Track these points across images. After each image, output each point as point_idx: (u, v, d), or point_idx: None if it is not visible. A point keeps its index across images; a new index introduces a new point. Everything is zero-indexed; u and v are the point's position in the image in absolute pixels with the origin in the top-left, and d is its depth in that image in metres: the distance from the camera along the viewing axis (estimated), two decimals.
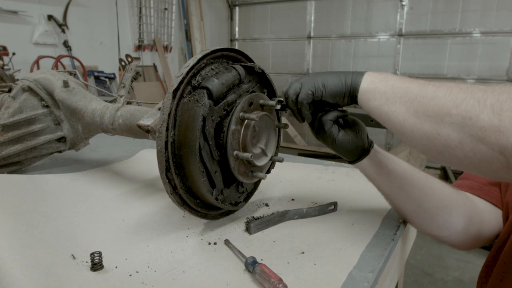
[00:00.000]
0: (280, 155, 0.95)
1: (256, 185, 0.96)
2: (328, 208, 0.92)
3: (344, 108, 0.81)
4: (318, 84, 0.73)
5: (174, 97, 0.71)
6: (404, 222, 0.86)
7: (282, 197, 1.02)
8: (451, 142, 0.58)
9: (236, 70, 0.80)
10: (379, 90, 0.68)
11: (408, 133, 0.64)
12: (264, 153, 0.86)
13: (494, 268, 0.82)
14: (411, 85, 0.65)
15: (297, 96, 0.74)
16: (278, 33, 6.25)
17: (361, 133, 0.80)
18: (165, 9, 5.41)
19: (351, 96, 0.72)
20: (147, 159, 1.33)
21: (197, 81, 0.75)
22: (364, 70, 0.72)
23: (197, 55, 0.75)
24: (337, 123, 0.80)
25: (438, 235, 0.84)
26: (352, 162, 0.82)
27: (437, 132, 0.59)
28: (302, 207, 0.91)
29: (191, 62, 0.73)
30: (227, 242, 0.76)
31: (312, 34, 5.93)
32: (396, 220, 0.87)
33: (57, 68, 3.89)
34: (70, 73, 1.25)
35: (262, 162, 0.85)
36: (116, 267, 0.67)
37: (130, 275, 0.65)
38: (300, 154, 4.59)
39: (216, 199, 0.78)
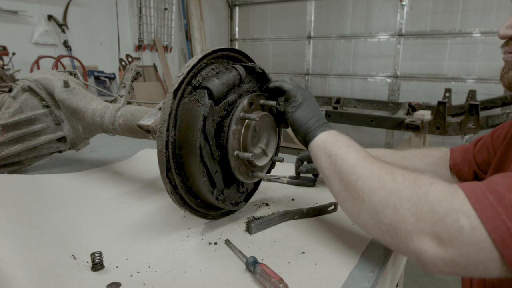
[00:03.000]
0: (280, 155, 0.95)
1: (256, 185, 0.96)
2: (328, 208, 0.92)
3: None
4: (294, 116, 0.78)
5: (174, 97, 0.71)
6: None
7: (282, 197, 1.02)
8: (367, 225, 0.63)
9: (237, 70, 0.80)
10: (325, 152, 0.72)
11: (341, 203, 0.70)
12: (264, 153, 0.86)
13: None
14: (349, 156, 0.68)
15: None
16: (278, 33, 6.25)
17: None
18: (165, 9, 5.41)
19: (305, 143, 0.78)
20: (147, 159, 1.33)
21: (198, 81, 0.75)
22: (328, 128, 0.77)
23: (198, 55, 0.75)
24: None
25: None
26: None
27: (357, 214, 0.64)
28: (302, 207, 0.91)
29: (192, 62, 0.73)
30: (227, 242, 0.76)
31: (312, 34, 5.93)
32: None
33: (57, 68, 3.89)
34: (70, 73, 1.25)
35: (262, 162, 0.85)
36: (117, 267, 0.67)
37: (131, 275, 0.65)
38: None
39: (217, 199, 0.78)
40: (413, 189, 0.57)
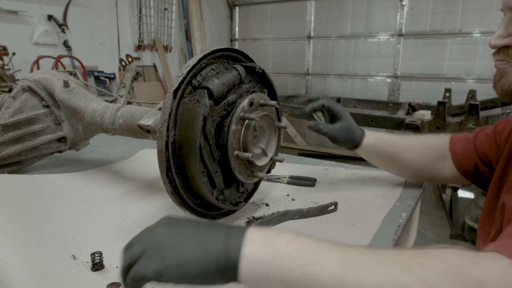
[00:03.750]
0: (280, 155, 0.95)
1: (256, 185, 0.96)
2: (328, 208, 0.92)
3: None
4: (168, 263, 0.46)
5: (174, 97, 0.71)
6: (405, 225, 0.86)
7: (282, 197, 1.02)
8: None
9: (237, 70, 0.80)
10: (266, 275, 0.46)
11: None
12: (264, 153, 0.86)
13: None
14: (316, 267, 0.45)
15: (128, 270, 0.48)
16: (278, 33, 6.25)
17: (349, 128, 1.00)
18: (165, 9, 5.41)
19: (227, 277, 0.47)
20: (147, 159, 1.33)
21: (198, 81, 0.75)
22: (243, 228, 0.49)
23: (198, 55, 0.75)
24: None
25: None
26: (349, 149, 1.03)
27: None
28: (302, 207, 0.91)
29: (192, 62, 0.73)
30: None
31: (312, 34, 5.93)
32: (397, 220, 0.87)
33: (57, 68, 3.89)
34: (70, 73, 1.25)
35: (262, 162, 0.85)
36: (117, 267, 0.67)
37: None
38: (300, 154, 4.59)
39: (217, 199, 0.78)
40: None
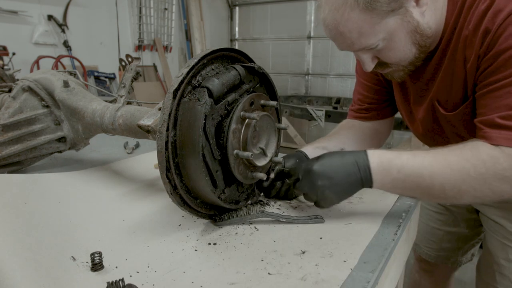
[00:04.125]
0: (280, 155, 0.95)
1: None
2: (311, 219, 0.86)
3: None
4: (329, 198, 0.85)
5: (174, 97, 0.71)
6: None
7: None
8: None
9: (236, 70, 0.80)
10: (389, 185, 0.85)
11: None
12: (264, 153, 0.86)
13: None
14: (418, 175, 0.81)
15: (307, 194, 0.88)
16: (278, 33, 6.24)
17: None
18: (165, 9, 5.41)
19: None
20: (147, 159, 1.33)
21: (198, 81, 0.75)
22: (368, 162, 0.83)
23: (198, 55, 0.75)
24: None
25: None
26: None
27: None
28: (300, 206, 0.90)
29: (192, 62, 0.73)
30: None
31: (312, 34, 5.93)
32: (397, 220, 0.87)
33: (57, 68, 3.88)
34: (70, 73, 1.25)
35: (262, 162, 0.85)
36: (117, 267, 0.67)
37: (131, 276, 0.65)
38: None
39: (219, 197, 0.78)
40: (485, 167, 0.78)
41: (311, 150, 1.06)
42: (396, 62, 0.91)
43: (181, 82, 0.72)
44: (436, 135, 1.08)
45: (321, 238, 0.78)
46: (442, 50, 0.93)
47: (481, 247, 1.36)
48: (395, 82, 1.11)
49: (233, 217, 0.85)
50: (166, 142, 0.71)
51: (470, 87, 0.90)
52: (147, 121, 0.89)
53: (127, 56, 1.28)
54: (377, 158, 0.83)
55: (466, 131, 0.97)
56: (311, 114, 4.03)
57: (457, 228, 1.41)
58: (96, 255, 0.66)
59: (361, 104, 1.24)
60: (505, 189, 0.77)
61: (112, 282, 0.59)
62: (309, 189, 0.85)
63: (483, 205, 1.21)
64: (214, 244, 0.76)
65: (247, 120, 0.78)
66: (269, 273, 0.65)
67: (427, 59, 0.96)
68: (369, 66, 0.91)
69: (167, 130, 0.71)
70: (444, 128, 1.03)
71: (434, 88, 0.98)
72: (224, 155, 0.77)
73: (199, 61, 0.74)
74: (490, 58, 0.81)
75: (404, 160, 0.81)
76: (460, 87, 0.92)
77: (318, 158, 0.86)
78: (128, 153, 1.43)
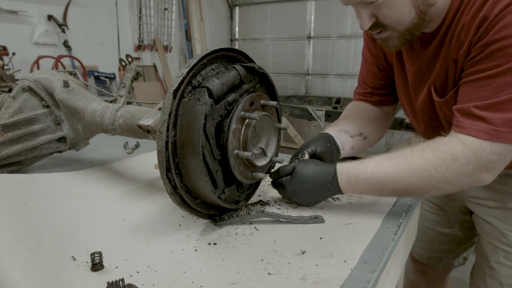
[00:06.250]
0: (280, 155, 0.95)
1: (256, 184, 0.96)
2: (311, 219, 0.87)
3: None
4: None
5: (174, 97, 0.71)
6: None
7: (279, 197, 1.02)
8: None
9: (237, 70, 0.80)
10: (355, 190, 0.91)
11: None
12: (264, 153, 0.86)
13: None
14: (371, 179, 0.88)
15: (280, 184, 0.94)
16: (278, 33, 6.25)
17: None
18: (165, 9, 5.41)
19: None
20: (147, 159, 1.33)
21: (198, 81, 0.75)
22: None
23: (198, 55, 0.75)
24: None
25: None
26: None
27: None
28: (300, 206, 0.90)
29: (192, 62, 0.73)
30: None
31: (312, 34, 5.93)
32: (397, 220, 0.87)
33: (57, 68, 3.88)
34: (70, 73, 1.25)
35: (262, 162, 0.85)
36: (117, 267, 0.67)
37: (131, 276, 0.65)
38: None
39: (219, 197, 0.78)
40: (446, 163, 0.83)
41: (336, 133, 1.10)
42: (393, 23, 0.89)
43: (181, 82, 0.72)
44: (434, 132, 1.06)
45: (321, 238, 0.78)
46: (442, 35, 0.93)
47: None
48: (396, 67, 1.11)
49: (233, 217, 0.85)
50: (166, 142, 0.71)
51: (459, 73, 0.91)
52: (147, 121, 0.89)
53: (127, 56, 1.28)
54: (345, 176, 0.89)
55: None
56: (311, 114, 4.03)
57: (450, 229, 1.41)
58: (96, 255, 0.66)
59: (365, 88, 1.25)
60: (465, 182, 0.84)
61: (112, 282, 0.59)
62: (287, 199, 0.96)
63: (478, 205, 1.21)
64: (214, 244, 0.76)
65: (247, 120, 0.78)
66: (269, 273, 0.65)
67: (427, 41, 0.96)
68: (366, 24, 0.91)
69: (167, 130, 0.71)
70: (440, 117, 1.04)
71: (432, 75, 0.98)
72: (224, 155, 0.77)
73: (199, 61, 0.74)
74: (480, 47, 0.82)
75: (368, 173, 0.87)
76: (452, 73, 0.93)
77: (292, 173, 0.91)
78: (128, 153, 1.43)
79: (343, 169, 0.89)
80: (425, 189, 0.85)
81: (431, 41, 0.95)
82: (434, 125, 1.09)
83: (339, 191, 0.90)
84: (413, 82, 1.06)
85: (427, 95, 1.02)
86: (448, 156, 0.82)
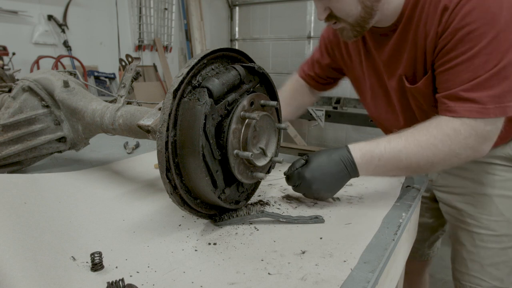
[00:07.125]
0: (280, 155, 0.95)
1: (256, 184, 0.96)
2: (311, 219, 0.87)
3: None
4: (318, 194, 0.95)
5: (174, 97, 0.71)
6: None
7: (279, 197, 1.02)
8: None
9: (237, 70, 0.80)
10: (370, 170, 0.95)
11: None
12: (264, 153, 0.86)
13: None
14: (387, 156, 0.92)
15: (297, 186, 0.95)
16: (278, 33, 6.24)
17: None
18: (165, 9, 5.41)
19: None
20: (147, 159, 1.33)
21: (198, 81, 0.75)
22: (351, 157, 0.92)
23: (198, 55, 0.75)
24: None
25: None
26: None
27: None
28: (300, 206, 0.90)
29: (192, 62, 0.73)
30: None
31: (312, 34, 5.93)
32: (397, 220, 0.87)
33: (57, 68, 3.88)
34: (70, 73, 1.25)
35: (262, 162, 0.85)
36: (117, 267, 0.67)
37: (131, 276, 0.65)
38: (300, 154, 4.58)
39: (219, 197, 0.78)
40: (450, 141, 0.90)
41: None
42: (344, 16, 0.97)
43: (181, 82, 0.72)
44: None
45: (321, 238, 0.78)
46: (404, 25, 1.00)
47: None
48: (363, 61, 1.20)
49: (233, 217, 0.85)
50: (166, 142, 0.71)
51: (429, 62, 0.98)
52: (147, 121, 0.89)
53: (127, 56, 1.28)
54: (359, 152, 0.92)
55: (426, 105, 1.06)
56: (311, 114, 4.03)
57: (422, 218, 1.46)
58: (96, 255, 0.66)
59: (309, 68, 1.48)
60: (469, 154, 0.91)
61: (112, 282, 0.59)
62: (306, 192, 0.95)
63: (447, 193, 1.29)
64: (214, 244, 0.76)
65: (247, 120, 0.78)
66: (269, 273, 0.65)
67: (392, 31, 1.04)
68: (321, 15, 0.99)
69: (167, 130, 0.71)
70: (412, 104, 1.11)
71: (402, 64, 1.05)
72: (224, 155, 0.77)
73: (199, 61, 0.74)
74: (448, 36, 0.89)
75: (382, 148, 0.92)
76: (421, 61, 1.00)
77: (307, 162, 0.93)
78: (128, 153, 1.43)
79: (355, 146, 0.93)
80: (434, 163, 0.91)
81: (395, 31, 1.02)
82: (412, 116, 1.15)
83: (355, 170, 0.92)
84: (385, 70, 1.13)
85: (400, 84, 1.09)
86: (451, 130, 0.89)
